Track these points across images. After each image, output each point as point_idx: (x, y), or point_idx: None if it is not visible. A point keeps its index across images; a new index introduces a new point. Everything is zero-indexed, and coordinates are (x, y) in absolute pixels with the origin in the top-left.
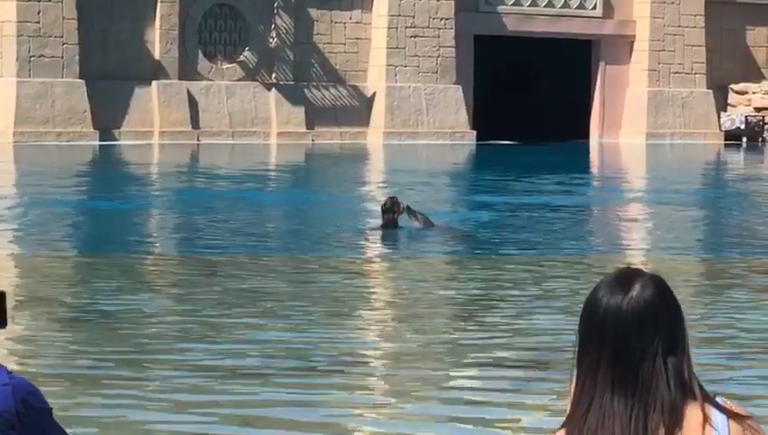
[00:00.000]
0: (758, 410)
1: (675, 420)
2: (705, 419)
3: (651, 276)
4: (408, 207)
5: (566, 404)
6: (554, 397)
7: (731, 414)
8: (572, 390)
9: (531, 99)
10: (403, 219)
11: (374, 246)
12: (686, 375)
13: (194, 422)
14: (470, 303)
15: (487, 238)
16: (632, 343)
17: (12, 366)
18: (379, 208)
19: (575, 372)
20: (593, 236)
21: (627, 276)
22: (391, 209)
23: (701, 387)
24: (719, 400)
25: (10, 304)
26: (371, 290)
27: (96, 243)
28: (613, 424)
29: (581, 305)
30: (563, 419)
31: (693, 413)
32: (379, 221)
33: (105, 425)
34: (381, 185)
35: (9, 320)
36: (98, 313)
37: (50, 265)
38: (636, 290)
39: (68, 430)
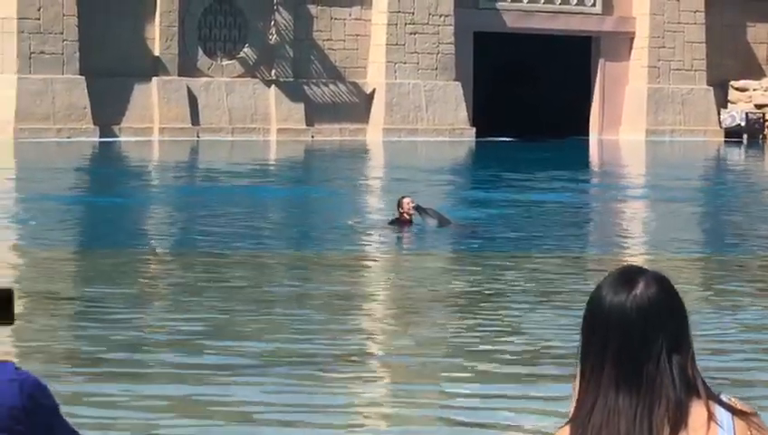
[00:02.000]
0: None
1: (680, 417)
2: (710, 416)
3: (654, 274)
4: (418, 206)
5: (570, 403)
6: (557, 396)
7: (735, 411)
8: (576, 388)
9: (530, 95)
10: (417, 217)
11: (383, 243)
12: (690, 373)
13: (195, 419)
14: (472, 299)
15: (491, 235)
16: (636, 341)
17: (17, 362)
18: (382, 204)
19: (579, 371)
20: (595, 233)
21: (630, 274)
22: (403, 208)
23: (705, 385)
24: (723, 397)
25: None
26: (375, 287)
27: (97, 238)
28: (618, 422)
29: (585, 304)
30: (566, 418)
31: (698, 411)
32: (391, 217)
33: (107, 422)
34: (383, 181)
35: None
36: (99, 308)
37: (50, 261)
38: (639, 288)
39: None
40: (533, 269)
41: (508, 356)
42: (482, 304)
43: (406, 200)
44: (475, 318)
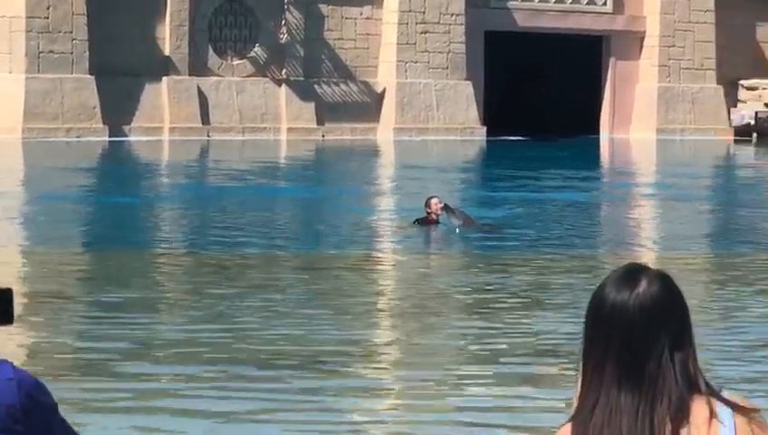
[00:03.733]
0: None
1: (681, 415)
2: (712, 413)
3: (657, 272)
4: (446, 205)
5: (572, 401)
6: (561, 393)
7: (737, 408)
8: (579, 386)
9: (541, 94)
10: (444, 217)
11: (411, 242)
12: (692, 370)
13: (201, 418)
14: (483, 299)
15: (511, 235)
16: (639, 339)
17: (16, 361)
18: (398, 204)
19: (581, 369)
20: (604, 231)
21: (633, 272)
22: (431, 208)
23: (707, 381)
24: (725, 393)
25: (17, 299)
26: (391, 285)
27: (106, 238)
28: (620, 420)
29: (588, 301)
30: (569, 415)
31: (699, 408)
32: (417, 217)
33: (110, 421)
34: (397, 181)
35: (16, 316)
36: (107, 307)
37: (58, 260)
38: (642, 286)
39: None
40: (549, 269)
41: (518, 353)
42: (498, 305)
43: (434, 201)
44: (485, 316)
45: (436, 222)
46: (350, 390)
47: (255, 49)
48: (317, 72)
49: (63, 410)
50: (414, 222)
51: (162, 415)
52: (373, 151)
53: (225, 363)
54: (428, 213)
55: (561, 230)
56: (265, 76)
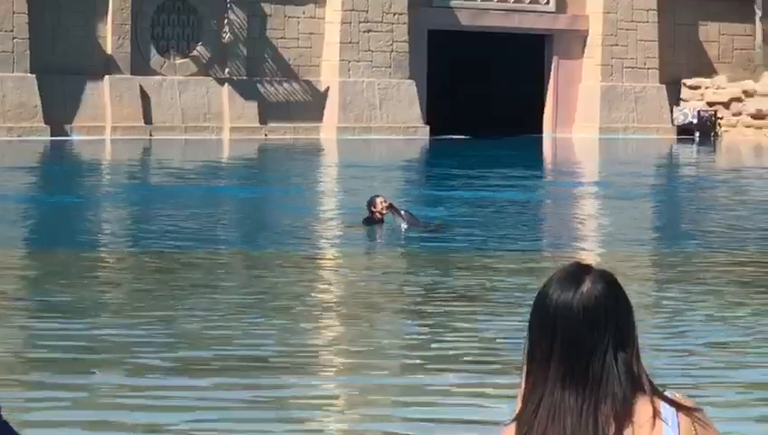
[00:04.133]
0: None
1: (625, 414)
2: (655, 412)
3: (601, 272)
4: (391, 205)
5: (517, 400)
6: (509, 392)
7: (680, 407)
8: (523, 385)
9: (484, 94)
10: (389, 217)
11: (350, 241)
12: (635, 370)
13: (145, 416)
14: (434, 298)
15: (454, 234)
16: (583, 338)
17: None
18: (342, 203)
19: (525, 368)
20: (545, 230)
21: (577, 272)
22: (376, 207)
23: (650, 381)
24: (668, 393)
25: None
26: (336, 285)
27: (47, 238)
28: (564, 420)
29: (533, 301)
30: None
31: (643, 407)
32: (363, 216)
33: (54, 423)
34: (339, 180)
35: None
36: (48, 308)
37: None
38: (586, 286)
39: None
40: (492, 267)
41: (464, 352)
42: (441, 303)
43: (379, 199)
44: (431, 315)
45: (382, 221)
46: (295, 390)
47: (198, 48)
48: (260, 71)
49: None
50: (363, 222)
51: (104, 416)
52: (316, 150)
53: (165, 367)
54: (373, 212)
55: (505, 230)
56: (208, 75)
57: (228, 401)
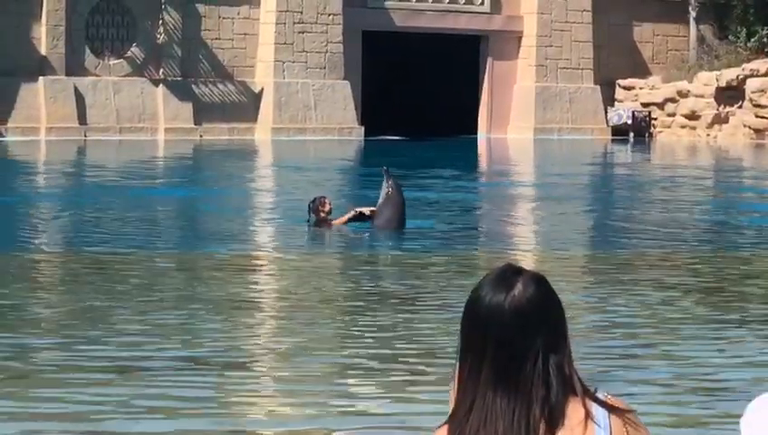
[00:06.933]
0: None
1: (557, 417)
2: (587, 414)
3: (533, 274)
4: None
5: (449, 402)
6: (441, 394)
7: (612, 409)
8: (455, 387)
9: (419, 95)
10: (334, 217)
11: (298, 244)
12: (567, 372)
13: (81, 423)
14: (365, 299)
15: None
16: (514, 341)
17: None
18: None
19: (457, 370)
20: (478, 231)
21: (509, 274)
22: (323, 207)
23: (582, 383)
24: (600, 394)
25: None
26: (276, 286)
27: None
28: (496, 422)
29: (465, 303)
30: (445, 417)
31: (574, 410)
32: (308, 219)
33: None
34: (272, 180)
35: None
36: None
37: None
38: (518, 288)
39: None
40: (427, 269)
41: (397, 352)
42: (374, 305)
43: (327, 200)
44: (366, 315)
45: (329, 223)
46: (231, 391)
47: (133, 49)
48: (195, 71)
49: None
50: (313, 224)
51: (42, 417)
52: (251, 151)
53: (100, 367)
54: (318, 212)
55: (439, 231)
56: (143, 76)
57: (167, 399)
